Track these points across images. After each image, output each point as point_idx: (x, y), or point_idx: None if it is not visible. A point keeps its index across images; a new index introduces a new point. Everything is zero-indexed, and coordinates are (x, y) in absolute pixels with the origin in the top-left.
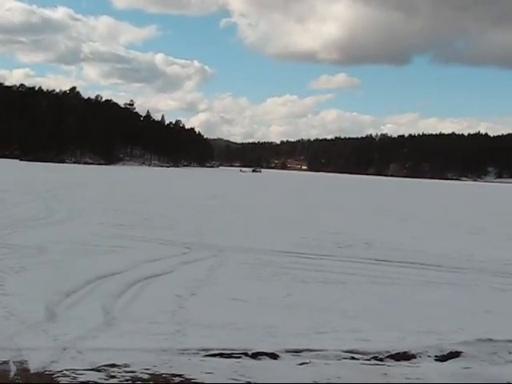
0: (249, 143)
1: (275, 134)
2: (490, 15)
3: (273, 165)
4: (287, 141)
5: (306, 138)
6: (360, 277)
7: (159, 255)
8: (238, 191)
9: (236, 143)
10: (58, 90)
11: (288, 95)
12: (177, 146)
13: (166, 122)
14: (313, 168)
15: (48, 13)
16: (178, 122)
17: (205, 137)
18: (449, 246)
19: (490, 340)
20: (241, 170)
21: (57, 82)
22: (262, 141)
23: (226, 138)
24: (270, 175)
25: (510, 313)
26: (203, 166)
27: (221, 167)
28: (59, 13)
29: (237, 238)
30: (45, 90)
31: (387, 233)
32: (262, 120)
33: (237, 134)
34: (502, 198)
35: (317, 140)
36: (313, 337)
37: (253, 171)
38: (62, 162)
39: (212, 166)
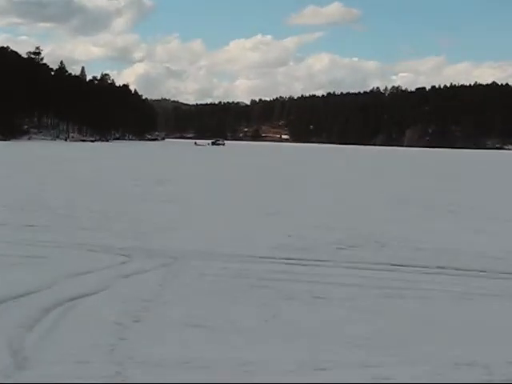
0: (206, 105)
1: (243, 90)
2: None
3: (241, 135)
4: (260, 100)
5: (286, 95)
6: (370, 289)
7: (87, 267)
8: (193, 173)
9: (188, 105)
10: None
11: (260, 35)
12: (104, 111)
13: (88, 78)
14: (297, 138)
15: None
16: (104, 76)
17: (143, 97)
18: (491, 243)
19: None
20: (196, 144)
21: None
22: (225, 101)
23: (173, 99)
24: (237, 149)
25: None
26: (142, 138)
27: (167, 139)
28: None
29: (196, 240)
30: None
31: (405, 227)
32: (223, 72)
33: (189, 91)
34: None
35: (302, 98)
36: (309, 376)
37: (213, 144)
38: None
39: (155, 139)
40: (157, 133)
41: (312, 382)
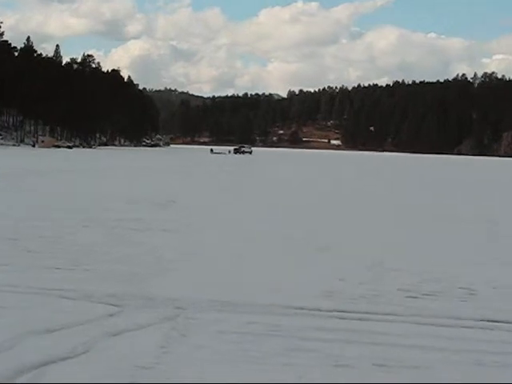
0: (226, 98)
1: (278, 78)
2: None
3: (274, 139)
4: (301, 92)
5: (337, 85)
6: (454, 355)
7: (60, 320)
8: (208, 194)
9: (202, 98)
10: None
11: (301, 2)
12: (86, 106)
13: (65, 60)
14: (352, 144)
15: None
16: (87, 59)
17: (140, 87)
18: None
19: None
20: (212, 151)
21: None
22: (253, 93)
23: (181, 90)
24: (268, 159)
25: None
26: (139, 143)
27: (172, 146)
28: None
29: (209, 283)
30: None
31: (502, 270)
32: (250, 53)
33: (203, 79)
34: None
35: (359, 89)
36: None
37: (235, 152)
38: None
39: (156, 145)
40: (158, 136)
41: None
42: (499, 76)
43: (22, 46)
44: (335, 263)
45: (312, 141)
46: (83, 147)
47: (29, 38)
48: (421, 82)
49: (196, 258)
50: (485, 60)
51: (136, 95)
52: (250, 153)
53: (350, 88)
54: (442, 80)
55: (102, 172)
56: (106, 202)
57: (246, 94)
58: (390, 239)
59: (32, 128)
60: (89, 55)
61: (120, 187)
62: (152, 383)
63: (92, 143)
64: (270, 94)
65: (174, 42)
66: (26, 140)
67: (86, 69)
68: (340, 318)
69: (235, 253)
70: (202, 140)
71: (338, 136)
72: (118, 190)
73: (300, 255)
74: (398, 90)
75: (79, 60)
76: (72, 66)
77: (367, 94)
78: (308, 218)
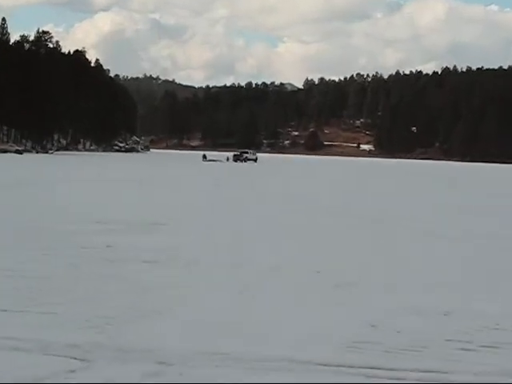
0: (224, 88)
1: (292, 63)
2: None
3: (287, 142)
4: (323, 81)
5: (369, 72)
6: None
7: (8, 379)
8: (201, 214)
9: (192, 88)
10: None
11: None
12: (41, 98)
13: (13, 38)
14: (388, 148)
15: None
16: (43, 36)
17: (112, 73)
18: None
19: None
20: (204, 158)
21: None
22: (259, 82)
23: (164, 77)
24: (278, 168)
25: None
26: (109, 147)
27: (153, 150)
28: None
29: (202, 331)
30: None
31: None
32: (255, 29)
33: (194, 64)
34: None
35: (398, 77)
36: None
37: (236, 159)
38: None
39: (132, 149)
40: (135, 138)
41: None
42: None
43: None
44: (364, 303)
45: (336, 145)
46: (37, 152)
47: None
48: (478, 69)
49: (185, 298)
50: None
51: (106, 84)
52: (255, 160)
53: (385, 76)
54: (505, 67)
55: (62, 185)
56: (69, 223)
57: (249, 84)
58: (442, 276)
59: None
60: (44, 32)
61: (87, 205)
62: None
63: (48, 147)
64: (282, 84)
65: (155, 16)
66: None
67: (40, 49)
68: (370, 377)
69: (236, 292)
70: (192, 144)
71: (369, 139)
72: (84, 208)
73: (319, 293)
74: (448, 78)
75: (32, 38)
76: (23, 46)
77: (408, 85)
78: (328, 246)
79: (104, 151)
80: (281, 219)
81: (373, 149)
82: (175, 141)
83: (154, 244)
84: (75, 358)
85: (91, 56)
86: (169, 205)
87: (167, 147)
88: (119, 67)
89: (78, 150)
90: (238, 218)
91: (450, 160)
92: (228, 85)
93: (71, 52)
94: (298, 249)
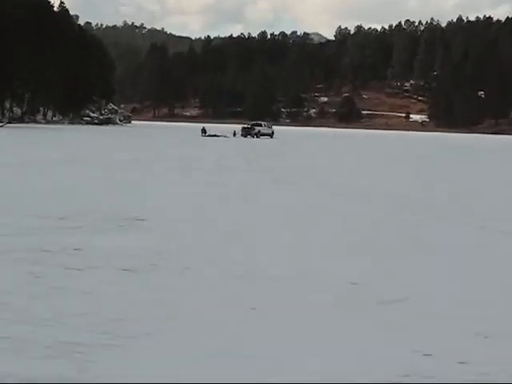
0: (229, 40)
1: (319, 7)
2: None
3: (313, 111)
4: (360, 30)
5: (421, 18)
6: None
7: None
8: (195, 208)
9: (188, 39)
10: None
11: None
12: None
13: None
14: (445, 119)
15: None
16: None
17: (82, 21)
18: None
19: None
20: (203, 133)
21: None
22: (276, 32)
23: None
24: (303, 147)
25: None
26: (78, 119)
27: (136, 122)
28: None
29: (205, 365)
30: None
31: None
32: None
33: (189, 9)
34: None
35: (460, 25)
36: None
37: (245, 133)
38: None
39: (108, 121)
40: (112, 106)
41: None
42: None
43: None
44: (416, 326)
45: (378, 115)
46: None
47: None
48: None
49: (175, 319)
50: None
51: (73, 35)
52: (271, 135)
53: (443, 24)
54: None
55: (15, 169)
56: (25, 219)
57: (263, 34)
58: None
59: None
60: None
61: (48, 195)
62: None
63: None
64: (306, 34)
65: None
66: None
67: None
68: None
69: (244, 309)
70: (187, 113)
71: (422, 107)
72: (44, 199)
73: (358, 312)
74: None
75: None
76: None
77: (473, 35)
78: (368, 250)
79: (71, 123)
80: (301, 214)
81: (427, 120)
82: (165, 110)
83: (133, 246)
84: None
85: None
86: (150, 196)
87: (155, 118)
88: (91, 13)
89: (36, 121)
90: (242, 211)
91: None
92: (235, 35)
93: None
94: (326, 252)
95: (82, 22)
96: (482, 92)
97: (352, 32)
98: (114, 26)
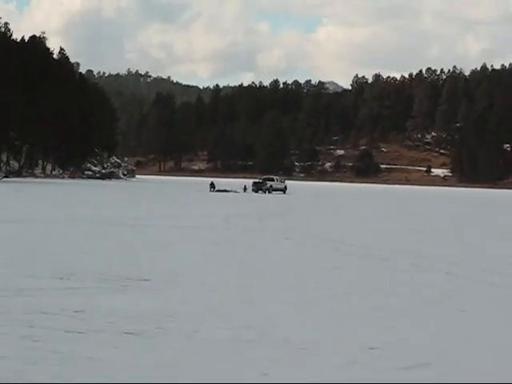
0: (240, 88)
1: (335, 54)
2: None
3: (328, 164)
4: (378, 78)
5: (443, 66)
6: None
7: None
8: (202, 269)
9: (196, 88)
10: None
11: None
12: None
13: None
14: (469, 175)
15: None
16: None
17: (83, 69)
18: None
19: None
20: (212, 187)
21: None
22: (289, 81)
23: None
24: (319, 204)
25: None
26: (78, 173)
27: (140, 177)
28: None
29: None
30: None
31: None
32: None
33: (198, 56)
34: None
35: (485, 73)
36: None
37: (256, 189)
38: None
39: (111, 175)
40: (115, 159)
41: None
42: None
43: None
44: None
45: (398, 169)
46: None
47: None
48: None
49: None
50: None
51: (74, 84)
52: (284, 191)
53: (467, 72)
54: None
55: (11, 225)
56: (22, 277)
57: (275, 83)
58: None
59: None
60: None
61: (45, 254)
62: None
63: None
64: (321, 83)
65: None
66: None
67: None
68: None
69: (258, 376)
70: (195, 166)
71: (444, 161)
72: (42, 257)
73: (376, 377)
74: None
75: None
76: None
77: (500, 84)
78: (385, 320)
79: (72, 177)
80: (317, 276)
81: (449, 174)
82: (171, 163)
83: (136, 308)
84: None
85: (53, 44)
86: (154, 255)
87: (160, 172)
88: (93, 61)
89: (35, 175)
90: (251, 272)
91: None
92: (245, 84)
93: (25, 39)
94: (342, 318)
95: (83, 69)
96: (507, 145)
97: (370, 81)
98: (118, 74)
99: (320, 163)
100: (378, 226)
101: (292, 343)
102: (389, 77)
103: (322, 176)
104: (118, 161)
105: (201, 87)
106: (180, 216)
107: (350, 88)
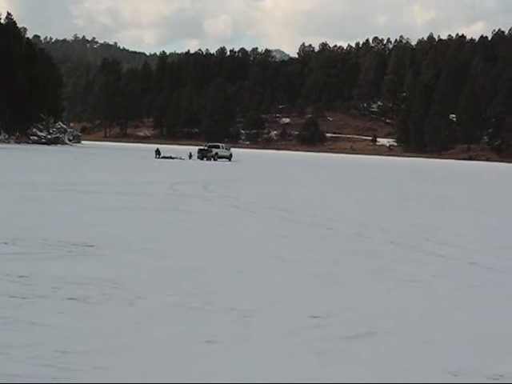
0: (186, 56)
1: (282, 22)
2: None
3: (273, 132)
4: (325, 48)
5: (390, 35)
6: None
7: None
8: (148, 235)
9: (142, 55)
10: None
11: None
12: None
13: None
14: (415, 144)
15: None
16: None
17: (30, 34)
18: None
19: None
20: (158, 154)
21: None
22: (235, 48)
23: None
24: (264, 172)
25: None
26: (24, 138)
27: (85, 142)
28: None
29: None
30: None
31: None
32: None
33: (144, 22)
34: None
35: (431, 43)
36: None
37: (202, 157)
38: None
39: (56, 140)
40: (61, 125)
41: None
42: None
43: None
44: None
45: (343, 138)
46: None
47: None
48: None
49: (123, 358)
50: None
51: (20, 49)
52: (229, 158)
53: (413, 42)
54: None
55: None
56: None
57: (222, 50)
58: None
59: None
60: None
61: None
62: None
63: None
64: (268, 51)
65: None
66: None
67: None
68: None
69: (199, 349)
70: (140, 133)
71: (390, 130)
72: None
73: (318, 346)
74: (501, 47)
75: None
76: None
77: (445, 54)
78: (333, 289)
79: (17, 142)
80: (264, 244)
81: (395, 144)
82: (117, 129)
83: (81, 274)
84: None
85: (0, 9)
86: (99, 222)
87: (106, 138)
88: (39, 26)
89: None
90: (197, 240)
91: (503, 161)
92: (192, 51)
93: None
94: (286, 285)
95: (29, 35)
96: (453, 115)
97: (316, 49)
98: (65, 40)
99: (266, 131)
100: (324, 194)
101: (236, 311)
102: (335, 46)
103: (268, 144)
104: (64, 126)
105: (147, 54)
106: (125, 183)
107: (296, 56)
